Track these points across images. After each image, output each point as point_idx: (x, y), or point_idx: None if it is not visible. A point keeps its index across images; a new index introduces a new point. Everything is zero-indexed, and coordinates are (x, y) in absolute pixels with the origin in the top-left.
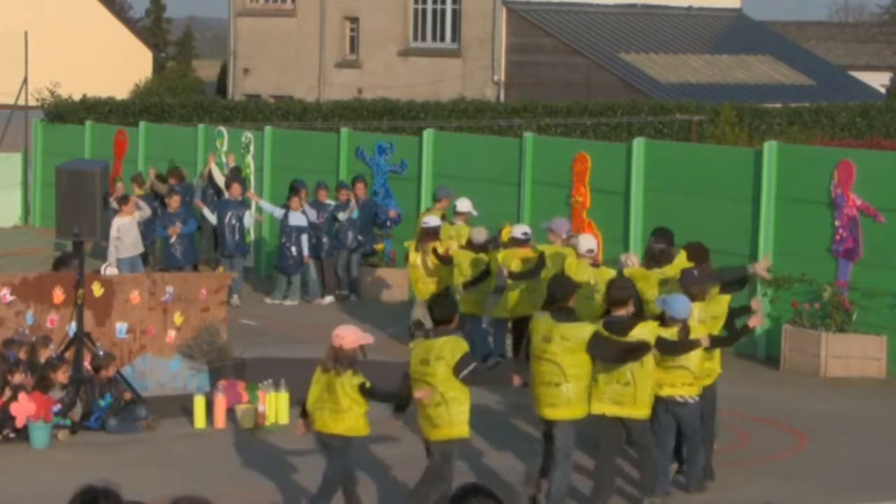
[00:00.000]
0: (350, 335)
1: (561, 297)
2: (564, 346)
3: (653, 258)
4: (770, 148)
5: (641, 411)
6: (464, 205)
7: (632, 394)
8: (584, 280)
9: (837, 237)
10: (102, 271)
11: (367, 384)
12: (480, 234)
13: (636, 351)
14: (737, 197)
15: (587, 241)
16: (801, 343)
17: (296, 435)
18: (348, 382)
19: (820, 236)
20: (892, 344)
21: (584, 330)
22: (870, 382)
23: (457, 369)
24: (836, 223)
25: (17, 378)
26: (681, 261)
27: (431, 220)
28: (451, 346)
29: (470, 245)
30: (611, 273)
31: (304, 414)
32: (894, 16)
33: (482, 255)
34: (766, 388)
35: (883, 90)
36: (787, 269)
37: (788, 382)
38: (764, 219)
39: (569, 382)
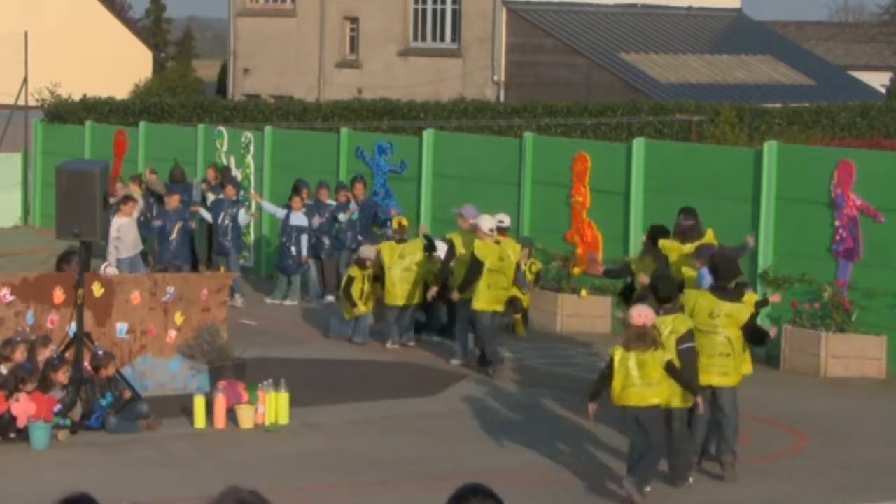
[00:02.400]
0: (651, 313)
1: (725, 277)
2: (731, 321)
3: (684, 234)
4: (770, 148)
5: (737, 379)
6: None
7: (733, 364)
8: (493, 255)
9: (837, 237)
10: (102, 271)
11: (675, 362)
12: (369, 251)
13: (768, 339)
14: (737, 197)
15: (489, 221)
16: (801, 343)
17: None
18: (659, 357)
19: (820, 236)
20: (891, 344)
21: (745, 309)
22: (870, 382)
23: (678, 341)
24: (836, 223)
25: (30, 387)
26: (710, 236)
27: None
28: (679, 322)
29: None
30: (515, 245)
31: (593, 398)
32: (894, 16)
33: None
34: (766, 388)
35: (883, 90)
36: (787, 269)
37: (788, 382)
38: (764, 219)
39: (735, 353)
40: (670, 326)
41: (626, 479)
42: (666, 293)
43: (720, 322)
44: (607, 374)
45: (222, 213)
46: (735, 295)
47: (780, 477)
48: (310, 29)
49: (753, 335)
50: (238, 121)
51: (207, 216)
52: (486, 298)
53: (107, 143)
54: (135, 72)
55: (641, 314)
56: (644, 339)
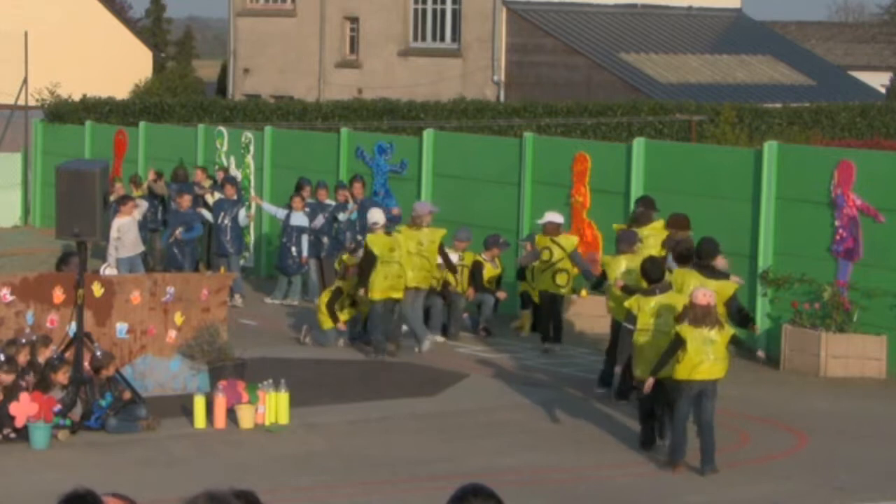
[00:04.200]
0: (711, 293)
1: (707, 255)
2: (718, 298)
3: (634, 220)
4: (770, 148)
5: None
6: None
7: None
8: (384, 247)
9: (837, 237)
10: (102, 272)
11: (738, 335)
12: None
13: (751, 323)
14: (737, 197)
15: (373, 215)
16: (801, 343)
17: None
18: (726, 333)
19: (820, 236)
20: (891, 344)
21: (729, 285)
22: (869, 382)
23: (677, 319)
24: (836, 223)
25: (5, 378)
26: (658, 223)
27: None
28: (675, 300)
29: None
30: (411, 234)
31: (654, 374)
32: (894, 16)
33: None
34: (766, 388)
35: (883, 90)
36: (787, 269)
37: (788, 382)
38: (764, 219)
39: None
40: (666, 303)
41: (706, 470)
42: (656, 274)
43: None
44: (673, 351)
45: (222, 214)
46: (719, 273)
47: (780, 477)
48: (310, 29)
49: (738, 313)
50: (238, 121)
51: (209, 216)
52: (380, 288)
53: (107, 143)
54: (135, 72)
55: (706, 295)
56: (710, 317)
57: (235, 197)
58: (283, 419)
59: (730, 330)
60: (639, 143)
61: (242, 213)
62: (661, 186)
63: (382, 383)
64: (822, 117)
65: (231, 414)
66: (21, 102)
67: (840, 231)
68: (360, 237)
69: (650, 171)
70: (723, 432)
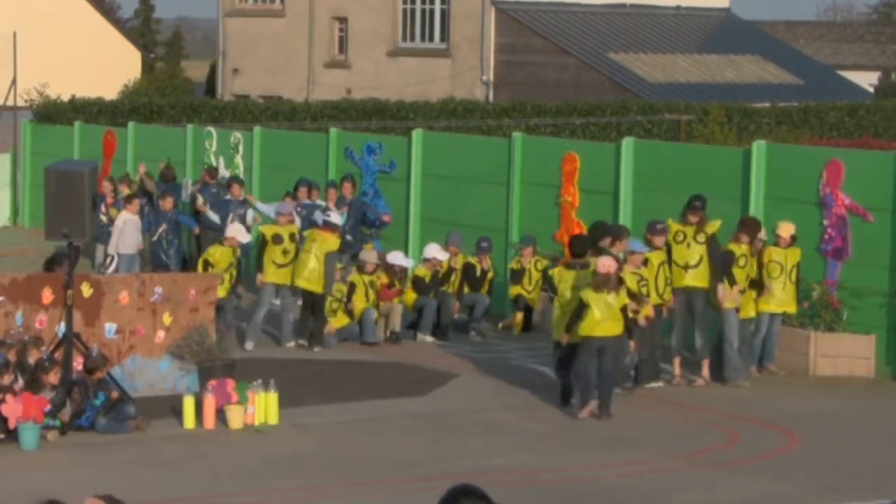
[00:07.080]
0: (614, 263)
1: (600, 238)
2: None
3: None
4: (759, 148)
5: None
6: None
7: None
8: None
9: (826, 237)
10: (106, 263)
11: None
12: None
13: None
14: (726, 196)
15: (282, 207)
16: (790, 342)
17: None
18: (622, 298)
19: (809, 236)
20: (880, 343)
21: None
22: (859, 382)
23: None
24: (825, 223)
25: (6, 379)
26: (713, 224)
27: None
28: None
29: None
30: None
31: (568, 330)
32: (882, 15)
33: None
34: (755, 387)
35: (871, 89)
36: None
37: (778, 382)
38: None
39: None
40: (584, 277)
41: (603, 413)
42: (579, 250)
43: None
44: (579, 313)
45: (231, 214)
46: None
47: (770, 477)
48: (299, 29)
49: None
50: (227, 121)
51: (214, 216)
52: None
53: (96, 144)
54: (124, 72)
55: (606, 264)
56: (609, 283)
57: (242, 197)
58: (273, 419)
59: (625, 297)
60: (628, 143)
61: (250, 213)
62: (650, 186)
63: (372, 383)
64: (810, 117)
65: (221, 414)
66: (10, 103)
67: (829, 230)
68: (349, 237)
69: (639, 171)
70: (713, 432)
